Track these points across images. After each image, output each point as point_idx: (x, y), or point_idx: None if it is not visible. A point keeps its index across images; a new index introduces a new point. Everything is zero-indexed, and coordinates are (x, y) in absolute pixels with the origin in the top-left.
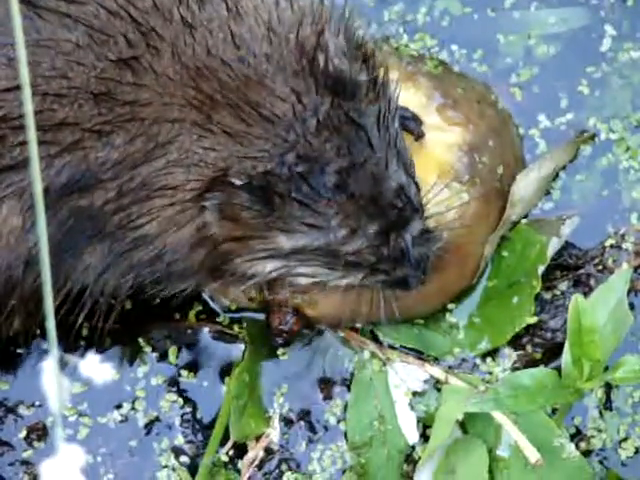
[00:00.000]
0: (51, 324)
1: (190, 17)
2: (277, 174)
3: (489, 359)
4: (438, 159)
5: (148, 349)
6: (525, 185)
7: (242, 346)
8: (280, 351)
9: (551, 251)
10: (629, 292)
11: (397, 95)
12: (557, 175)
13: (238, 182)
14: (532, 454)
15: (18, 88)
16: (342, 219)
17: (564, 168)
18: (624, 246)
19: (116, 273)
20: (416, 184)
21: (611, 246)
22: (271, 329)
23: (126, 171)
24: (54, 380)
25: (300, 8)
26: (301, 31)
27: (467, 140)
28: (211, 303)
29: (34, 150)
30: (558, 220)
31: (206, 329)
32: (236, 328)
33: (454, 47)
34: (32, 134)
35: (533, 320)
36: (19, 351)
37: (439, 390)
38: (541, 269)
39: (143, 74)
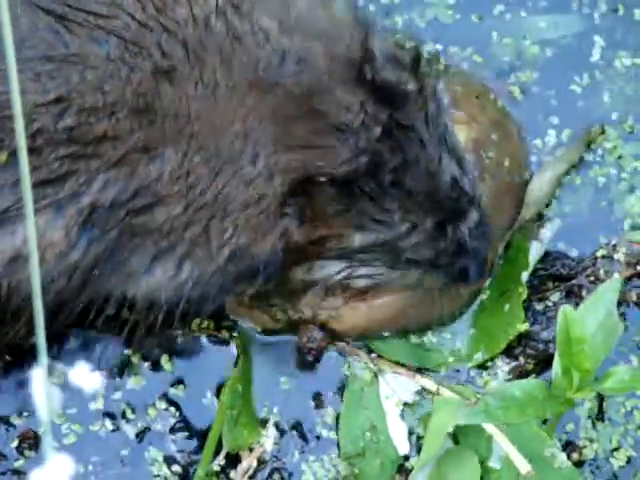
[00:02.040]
0: (40, 334)
1: (232, 28)
2: (354, 171)
3: (482, 370)
4: None
5: (139, 358)
6: (539, 185)
7: (235, 356)
8: (272, 362)
9: (533, 256)
10: (620, 303)
11: (445, 93)
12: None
13: (323, 179)
14: (523, 465)
15: (51, 102)
16: (403, 214)
17: (574, 167)
18: (616, 257)
19: (208, 291)
20: (469, 177)
21: (603, 257)
22: (300, 347)
23: (193, 186)
24: (43, 389)
25: (344, 19)
26: (347, 42)
27: (472, 137)
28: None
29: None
30: (538, 224)
31: (199, 338)
32: (226, 333)
33: (448, 50)
34: (22, 141)
35: (525, 327)
36: (9, 359)
37: (431, 401)
38: (525, 275)
39: (184, 85)
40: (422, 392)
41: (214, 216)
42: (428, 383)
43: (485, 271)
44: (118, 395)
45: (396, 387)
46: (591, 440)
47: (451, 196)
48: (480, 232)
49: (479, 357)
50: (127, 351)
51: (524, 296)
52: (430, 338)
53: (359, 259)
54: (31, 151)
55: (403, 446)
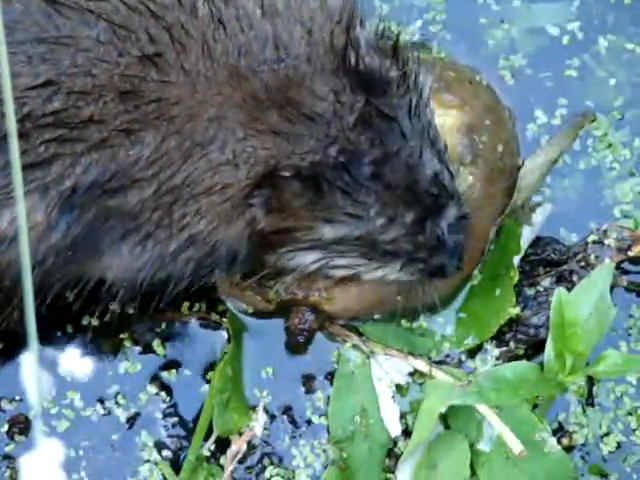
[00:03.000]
0: (31, 318)
1: (217, 13)
2: (324, 164)
3: (472, 355)
4: None
5: (131, 342)
6: (532, 170)
7: (226, 340)
8: (262, 346)
9: (525, 240)
10: (611, 289)
11: (429, 84)
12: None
13: (288, 174)
14: (515, 445)
15: (41, 85)
16: (380, 208)
17: (566, 152)
18: (606, 242)
19: (164, 271)
20: (450, 171)
21: (594, 242)
22: (291, 328)
23: (164, 170)
24: (33, 374)
25: (329, 6)
26: (331, 30)
27: (465, 121)
28: (228, 304)
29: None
30: (529, 209)
31: (189, 322)
32: (217, 316)
33: (440, 35)
34: (12, 125)
35: (516, 311)
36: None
37: (421, 384)
38: (517, 259)
39: (168, 71)
40: (414, 375)
41: (179, 199)
42: (421, 364)
43: (462, 265)
44: (109, 380)
45: (388, 369)
46: (581, 425)
47: (431, 191)
48: (459, 227)
49: (470, 341)
50: (121, 335)
51: (515, 280)
52: (421, 323)
53: (334, 250)
54: (20, 135)
55: (395, 428)
